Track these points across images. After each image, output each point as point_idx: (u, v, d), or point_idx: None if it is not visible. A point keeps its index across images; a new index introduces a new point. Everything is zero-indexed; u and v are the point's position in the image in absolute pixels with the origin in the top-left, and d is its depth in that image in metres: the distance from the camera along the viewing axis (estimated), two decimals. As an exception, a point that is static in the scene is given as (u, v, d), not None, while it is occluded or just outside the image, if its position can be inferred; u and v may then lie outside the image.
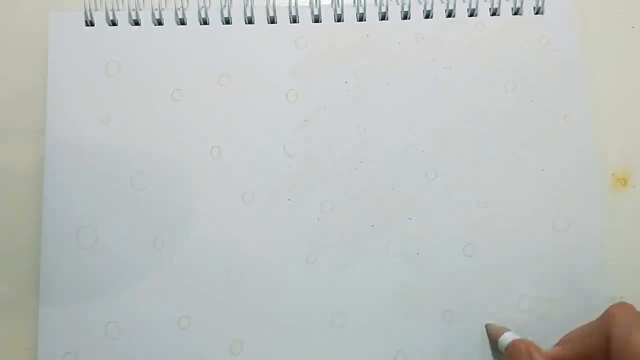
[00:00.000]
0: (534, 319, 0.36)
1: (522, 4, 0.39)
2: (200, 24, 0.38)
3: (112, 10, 0.38)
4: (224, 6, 0.38)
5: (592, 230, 0.37)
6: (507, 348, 0.33)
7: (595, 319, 0.31)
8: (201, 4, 0.38)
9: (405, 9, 0.39)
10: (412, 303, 0.36)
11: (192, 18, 0.38)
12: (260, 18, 0.38)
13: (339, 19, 0.39)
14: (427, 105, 0.38)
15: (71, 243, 0.36)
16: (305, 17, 0.38)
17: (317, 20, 0.39)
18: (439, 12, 0.39)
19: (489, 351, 0.35)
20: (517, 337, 0.34)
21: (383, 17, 0.39)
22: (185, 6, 0.38)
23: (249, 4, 0.38)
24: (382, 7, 0.39)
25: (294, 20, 0.39)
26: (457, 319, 0.36)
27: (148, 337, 0.35)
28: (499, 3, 0.39)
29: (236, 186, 0.36)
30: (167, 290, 0.35)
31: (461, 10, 0.39)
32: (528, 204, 0.37)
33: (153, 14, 0.38)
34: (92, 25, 0.38)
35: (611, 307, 0.30)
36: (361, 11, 0.38)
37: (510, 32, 0.39)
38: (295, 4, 0.38)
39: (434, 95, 0.38)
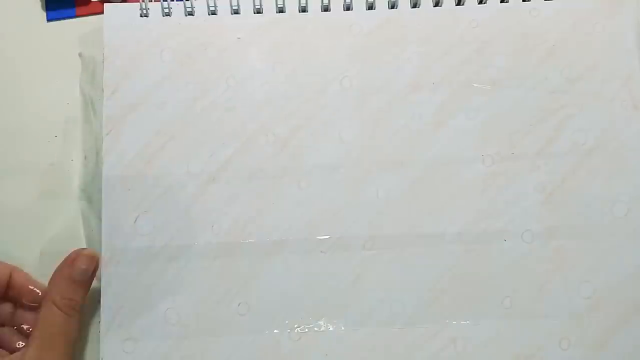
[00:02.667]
0: (596, 305, 0.35)
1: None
2: (254, 13, 0.39)
3: (167, 1, 0.38)
4: (278, -5, 0.39)
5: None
6: None
7: None
8: (255, -7, 0.39)
9: (459, -5, 0.39)
10: (470, 290, 0.36)
11: (246, 6, 0.39)
12: (315, 6, 0.39)
13: (392, 6, 0.39)
14: (484, 91, 0.38)
15: (129, 228, 0.36)
16: (358, 5, 0.39)
17: (370, 7, 0.39)
18: (493, -3, 0.39)
19: (552, 340, 0.35)
20: None
21: (437, 4, 0.39)
22: (239, -5, 0.39)
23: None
24: (435, -8, 0.39)
25: (348, 8, 0.39)
26: (518, 304, 0.35)
27: (206, 324, 0.35)
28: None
29: (292, 171, 0.36)
30: (224, 275, 0.35)
31: (514, -5, 0.39)
32: (585, 189, 0.37)
33: (207, 4, 0.38)
34: (147, 16, 0.38)
35: None
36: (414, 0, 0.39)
37: (566, 16, 0.39)
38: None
39: (490, 81, 0.38)
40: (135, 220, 0.36)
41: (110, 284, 0.35)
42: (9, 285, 0.34)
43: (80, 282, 0.34)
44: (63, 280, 0.34)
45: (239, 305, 0.35)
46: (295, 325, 0.35)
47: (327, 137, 0.37)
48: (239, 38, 0.38)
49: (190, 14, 0.39)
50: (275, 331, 0.35)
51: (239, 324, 0.35)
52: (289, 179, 0.36)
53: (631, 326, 0.35)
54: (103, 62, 0.38)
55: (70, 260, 0.34)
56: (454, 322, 0.35)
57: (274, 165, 0.37)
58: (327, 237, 0.36)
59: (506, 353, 0.35)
